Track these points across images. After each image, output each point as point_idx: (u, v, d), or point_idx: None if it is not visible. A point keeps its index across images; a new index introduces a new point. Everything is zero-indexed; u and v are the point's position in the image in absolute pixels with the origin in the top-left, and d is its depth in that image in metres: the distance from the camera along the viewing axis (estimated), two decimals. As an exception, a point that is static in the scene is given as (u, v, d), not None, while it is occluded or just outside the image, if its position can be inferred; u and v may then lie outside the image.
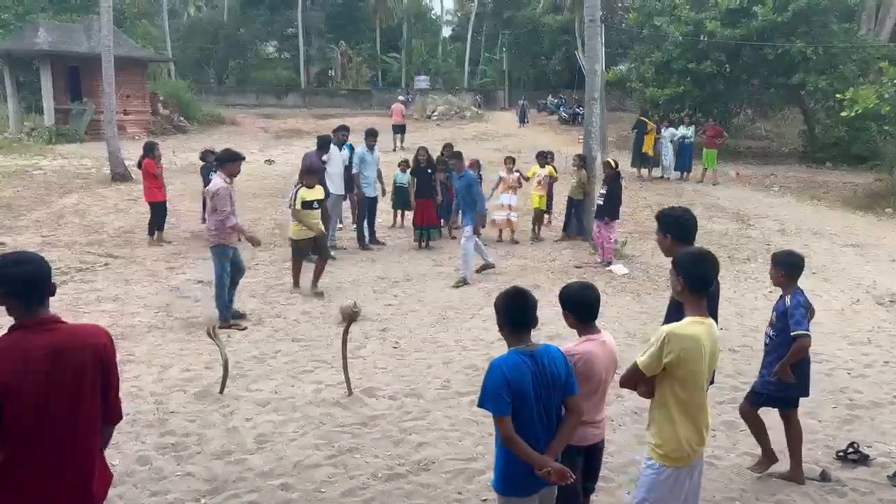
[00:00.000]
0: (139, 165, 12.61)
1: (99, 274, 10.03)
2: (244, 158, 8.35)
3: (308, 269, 9.55)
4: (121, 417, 3.09)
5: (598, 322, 3.78)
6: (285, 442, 5.41)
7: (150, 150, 12.04)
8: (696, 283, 3.45)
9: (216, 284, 8.08)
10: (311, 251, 9.63)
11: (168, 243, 11.86)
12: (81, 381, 2.82)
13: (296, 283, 9.60)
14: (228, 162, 8.01)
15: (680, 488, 3.53)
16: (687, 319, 3.47)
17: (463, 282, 9.90)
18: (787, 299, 4.84)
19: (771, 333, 4.98)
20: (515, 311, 3.35)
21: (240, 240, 8.26)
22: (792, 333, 4.71)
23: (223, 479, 4.86)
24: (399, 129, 26.31)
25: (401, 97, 33.09)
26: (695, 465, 3.59)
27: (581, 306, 3.70)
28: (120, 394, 3.06)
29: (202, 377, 6.61)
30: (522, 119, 35.58)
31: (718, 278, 4.09)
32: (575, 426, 3.40)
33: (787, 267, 4.92)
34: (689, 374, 3.40)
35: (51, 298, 2.95)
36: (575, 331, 3.79)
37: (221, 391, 6.24)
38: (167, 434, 5.50)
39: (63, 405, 2.79)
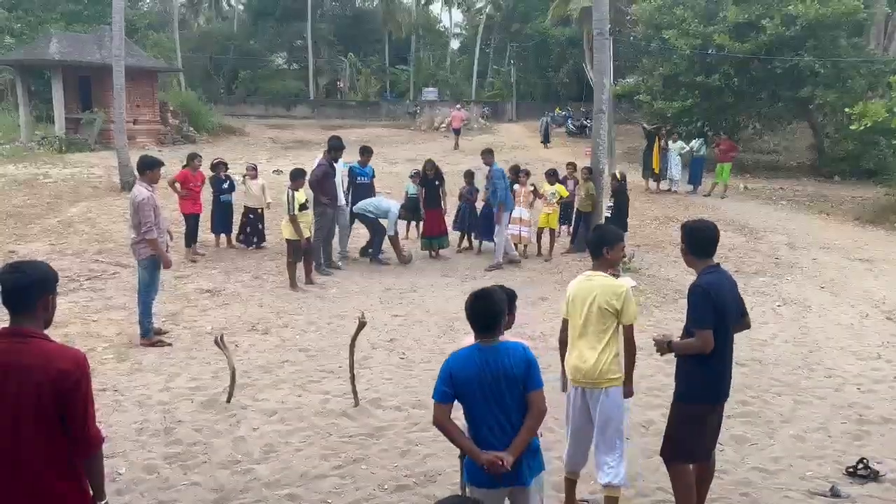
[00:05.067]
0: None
1: (108, 282, 10.07)
2: (162, 164, 8.20)
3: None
4: (93, 449, 2.87)
5: None
6: (292, 452, 5.41)
7: (191, 160, 11.98)
8: (590, 248, 4.56)
9: (142, 299, 7.68)
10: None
11: (201, 255, 11.70)
12: (22, 405, 2.70)
13: (293, 284, 9.99)
14: (148, 169, 7.73)
15: (572, 401, 4.51)
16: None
17: (496, 266, 11.34)
18: None
19: None
20: (470, 316, 3.51)
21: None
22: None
23: (230, 489, 4.86)
24: (457, 132, 31.34)
25: (458, 105, 36.74)
26: (591, 393, 4.39)
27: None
28: (98, 416, 2.90)
29: (209, 386, 6.62)
30: (546, 138, 31.40)
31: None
32: (534, 422, 3.43)
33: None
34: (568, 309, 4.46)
35: (62, 305, 2.90)
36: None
37: (228, 400, 6.24)
38: (174, 443, 5.51)
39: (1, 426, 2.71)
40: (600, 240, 4.48)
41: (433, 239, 12.14)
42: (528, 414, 3.42)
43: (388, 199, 12.11)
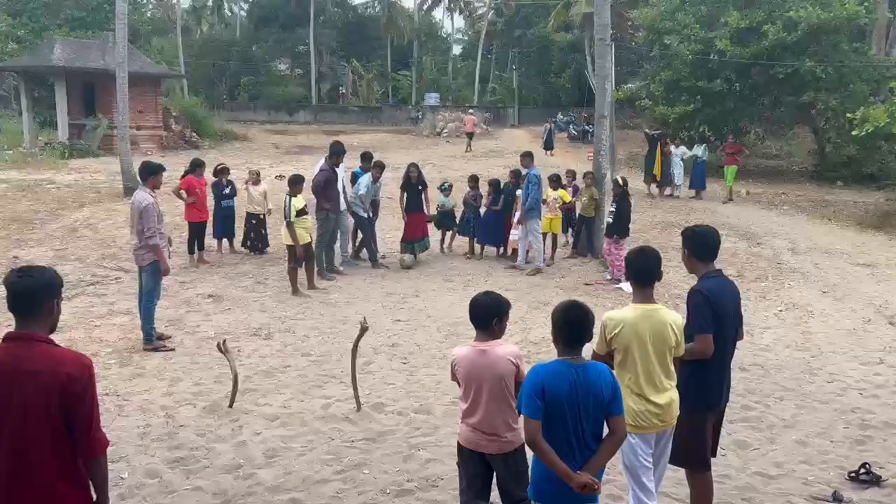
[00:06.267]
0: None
1: (110, 287, 10.10)
2: (164, 169, 8.20)
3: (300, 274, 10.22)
4: (98, 452, 2.90)
5: None
6: (294, 457, 5.42)
7: (196, 167, 11.86)
8: (638, 276, 4.01)
9: (145, 305, 7.72)
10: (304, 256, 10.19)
11: (207, 263, 11.65)
12: (30, 409, 2.73)
13: (295, 290, 10.03)
14: (150, 175, 7.76)
15: (645, 452, 3.96)
16: (628, 306, 4.00)
17: (536, 270, 11.49)
18: None
19: None
20: (566, 325, 3.39)
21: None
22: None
23: (232, 494, 4.87)
24: (470, 136, 31.79)
25: (471, 110, 37.46)
26: (661, 435, 4.01)
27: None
28: (101, 421, 2.93)
29: (212, 391, 6.63)
30: (549, 144, 29.94)
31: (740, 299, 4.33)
32: (615, 445, 3.38)
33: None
34: (623, 350, 3.85)
35: (66, 310, 2.91)
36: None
37: (231, 405, 6.26)
38: (176, 448, 5.52)
39: (6, 429, 2.73)
40: (657, 267, 4.02)
41: (414, 243, 12.04)
42: (609, 437, 3.35)
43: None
